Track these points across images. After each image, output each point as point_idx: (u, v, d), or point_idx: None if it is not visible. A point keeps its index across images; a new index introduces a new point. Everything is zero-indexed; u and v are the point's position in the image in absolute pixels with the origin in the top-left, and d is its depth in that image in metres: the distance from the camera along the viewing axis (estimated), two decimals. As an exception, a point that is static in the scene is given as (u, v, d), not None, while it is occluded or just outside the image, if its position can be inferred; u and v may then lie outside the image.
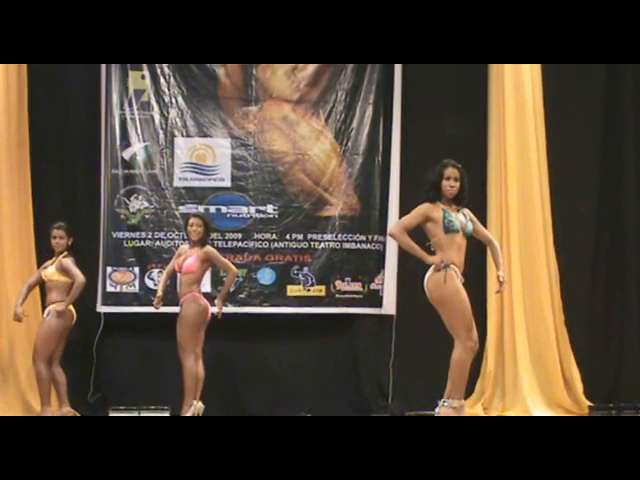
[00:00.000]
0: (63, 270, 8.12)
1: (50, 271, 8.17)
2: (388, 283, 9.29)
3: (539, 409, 8.85)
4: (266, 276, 9.28)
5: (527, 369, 8.97)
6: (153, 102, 9.24)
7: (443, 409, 6.26)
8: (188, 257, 8.15)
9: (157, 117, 9.24)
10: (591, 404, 8.81)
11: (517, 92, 9.16)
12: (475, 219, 6.67)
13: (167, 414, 4.73)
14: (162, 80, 9.25)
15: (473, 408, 8.72)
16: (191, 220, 8.28)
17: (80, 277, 8.08)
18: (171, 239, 9.12)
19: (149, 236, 9.15)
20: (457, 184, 6.50)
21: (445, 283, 6.33)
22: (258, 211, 9.31)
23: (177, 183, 9.24)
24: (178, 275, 8.27)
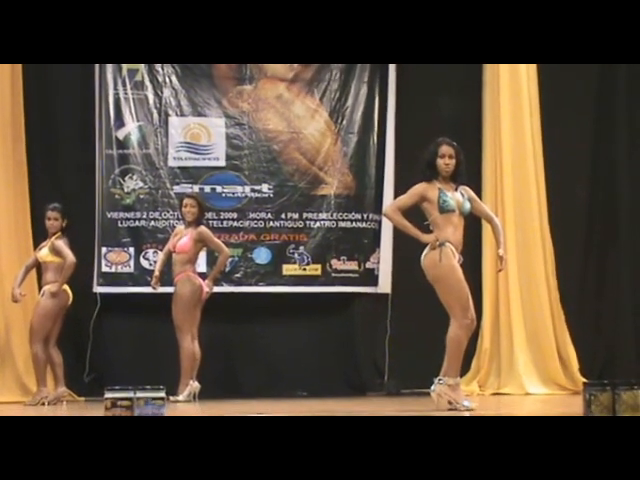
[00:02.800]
0: (55, 251, 8.12)
1: (44, 252, 8.18)
2: (384, 262, 9.30)
3: (534, 386, 8.90)
4: (262, 255, 9.28)
5: (522, 347, 9.00)
6: (147, 81, 9.20)
7: (439, 387, 6.27)
8: (183, 237, 8.18)
9: (151, 96, 9.21)
10: (586, 381, 8.83)
11: (512, 71, 9.15)
12: (475, 197, 6.64)
13: (163, 394, 4.73)
14: (156, 59, 9.21)
15: (469, 386, 8.75)
16: (185, 201, 8.30)
17: (70, 257, 8.08)
18: (166, 219, 9.11)
19: (144, 216, 9.13)
20: (452, 162, 6.46)
21: (441, 261, 6.32)
22: (253, 190, 9.29)
23: (172, 163, 9.22)
24: (173, 255, 8.28)
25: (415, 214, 6.61)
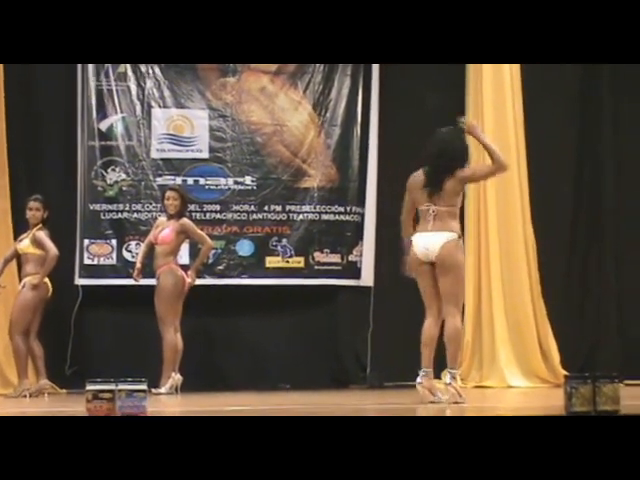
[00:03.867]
0: (37, 243, 8.09)
1: (25, 244, 8.15)
2: (366, 255, 9.31)
3: (516, 379, 8.93)
4: (245, 248, 9.27)
5: (504, 340, 9.03)
6: (130, 73, 9.17)
7: (452, 380, 6.28)
8: (165, 229, 8.17)
9: (134, 88, 9.18)
10: (567, 374, 8.86)
11: (495, 67, 9.16)
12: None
13: (144, 387, 4.72)
14: (139, 51, 9.17)
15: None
16: (167, 194, 8.29)
17: (53, 250, 8.05)
18: (149, 211, 9.08)
19: (126, 208, 9.11)
20: None
21: (461, 252, 6.43)
22: (236, 182, 9.28)
23: (154, 154, 9.19)
24: (155, 247, 8.26)
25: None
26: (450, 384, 6.29)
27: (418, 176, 6.46)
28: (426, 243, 6.32)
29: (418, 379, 6.33)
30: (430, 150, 6.46)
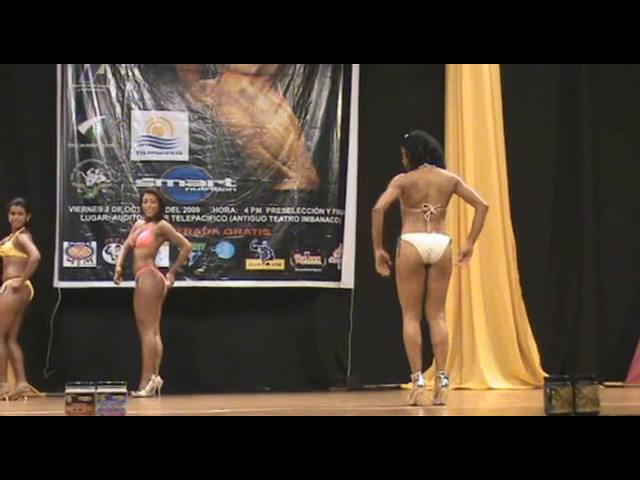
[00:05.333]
0: (19, 246, 8.06)
1: (7, 247, 8.11)
2: (346, 257, 9.31)
3: (496, 381, 8.95)
4: (225, 250, 9.26)
5: (484, 342, 9.05)
6: (109, 75, 9.14)
7: (446, 381, 6.27)
8: (143, 231, 8.15)
9: (113, 90, 9.15)
10: (547, 376, 8.90)
11: (474, 68, 9.21)
12: None
13: (124, 389, 4.71)
14: (118, 53, 9.14)
15: (430, 380, 8.76)
16: (145, 196, 8.27)
17: (35, 253, 8.02)
18: (128, 213, 9.05)
19: (106, 210, 9.08)
20: None
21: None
22: (216, 185, 9.27)
23: (134, 157, 9.17)
24: (134, 250, 8.24)
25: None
26: (446, 386, 6.26)
27: (413, 175, 6.40)
28: (429, 244, 6.27)
29: (420, 381, 6.25)
30: (425, 146, 6.45)
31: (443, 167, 6.54)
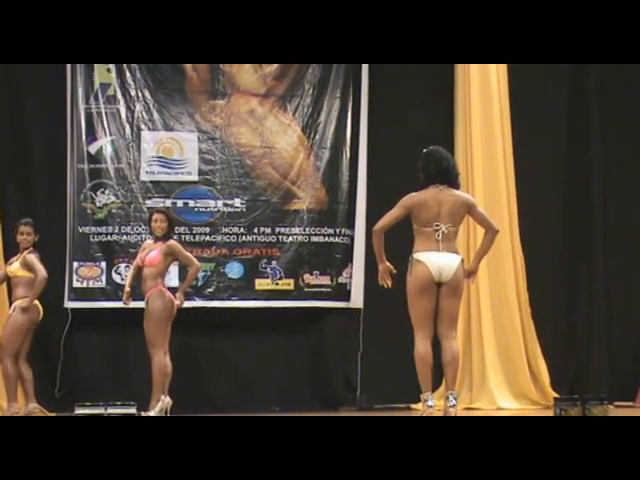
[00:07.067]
0: (27, 266, 8.07)
1: (15, 267, 8.13)
2: (356, 277, 9.30)
3: (506, 401, 8.93)
4: (234, 270, 9.26)
5: (494, 361, 9.02)
6: (119, 96, 9.18)
7: (454, 401, 6.25)
8: (152, 250, 8.15)
9: (123, 111, 9.19)
10: (556, 396, 8.87)
11: (483, 85, 9.23)
12: None
13: (134, 410, 4.71)
14: (128, 73, 9.19)
15: (440, 400, 8.74)
16: (154, 216, 8.26)
17: (42, 272, 8.03)
18: (138, 233, 9.07)
19: (116, 230, 9.10)
20: None
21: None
22: (226, 205, 9.28)
23: (144, 177, 9.19)
24: (143, 270, 8.23)
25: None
26: (454, 406, 6.25)
27: (423, 195, 6.41)
28: (440, 263, 6.28)
29: (430, 402, 6.24)
30: (438, 166, 6.44)
31: (457, 186, 6.51)
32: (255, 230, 9.29)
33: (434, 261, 6.27)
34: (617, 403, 8.45)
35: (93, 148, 9.12)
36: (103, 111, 9.14)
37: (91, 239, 9.06)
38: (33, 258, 8.09)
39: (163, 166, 9.22)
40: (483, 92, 9.25)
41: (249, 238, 9.28)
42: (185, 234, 9.09)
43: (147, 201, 9.15)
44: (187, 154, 9.26)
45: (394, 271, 6.44)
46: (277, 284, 9.28)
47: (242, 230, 9.27)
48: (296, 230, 9.33)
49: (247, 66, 9.38)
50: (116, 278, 9.03)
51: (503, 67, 9.24)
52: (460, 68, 9.30)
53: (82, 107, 9.08)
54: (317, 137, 9.44)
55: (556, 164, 9.59)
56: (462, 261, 6.41)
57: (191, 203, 9.24)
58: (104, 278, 9.04)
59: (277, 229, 9.31)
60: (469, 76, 9.23)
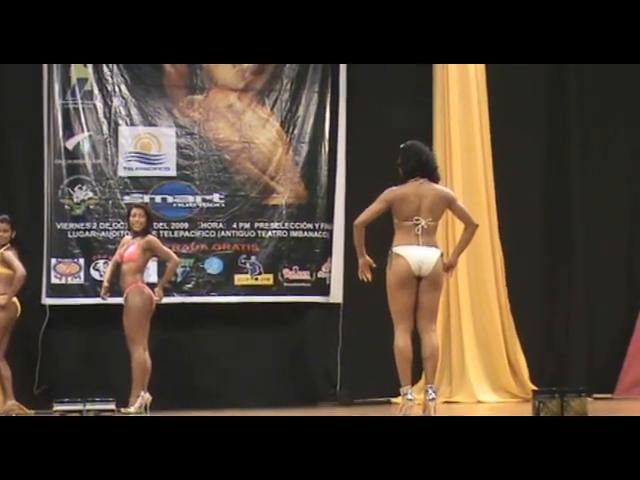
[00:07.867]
0: (5, 263, 8.05)
1: (-8, 264, 8.10)
2: (335, 271, 9.30)
3: (485, 394, 8.95)
4: (213, 265, 9.24)
5: (473, 355, 9.05)
6: (96, 91, 9.13)
7: (433, 395, 6.26)
8: (130, 246, 8.13)
9: (100, 106, 9.14)
10: (535, 389, 8.90)
11: (461, 79, 9.25)
12: None
13: (113, 406, 4.70)
14: (105, 69, 9.15)
15: (420, 394, 8.76)
16: (133, 211, 8.25)
17: (21, 269, 8.00)
18: (116, 229, 9.04)
19: (94, 226, 9.06)
20: None
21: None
22: (204, 200, 9.26)
23: (122, 173, 9.16)
24: (122, 265, 8.21)
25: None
26: (433, 399, 6.26)
27: (404, 189, 6.41)
28: (420, 257, 6.28)
29: (409, 395, 6.24)
30: (418, 160, 6.44)
31: (437, 179, 6.53)
32: (234, 225, 9.27)
33: (414, 255, 6.28)
34: (596, 395, 8.50)
35: (70, 144, 9.08)
36: (80, 107, 9.09)
37: (69, 235, 9.02)
38: (11, 255, 8.05)
39: (141, 161, 9.19)
40: (461, 86, 9.27)
41: (228, 233, 9.26)
42: (164, 230, 9.06)
43: (125, 197, 9.12)
44: (165, 149, 9.23)
45: (374, 265, 6.45)
46: (256, 279, 9.28)
47: (221, 225, 9.25)
48: (275, 225, 9.32)
49: (225, 61, 9.36)
50: (94, 274, 8.99)
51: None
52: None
53: (59, 103, 9.04)
54: (296, 132, 9.43)
55: (535, 158, 9.62)
56: (442, 255, 6.42)
57: (170, 199, 9.21)
58: (82, 274, 9.00)
59: (256, 224, 9.29)
60: (447, 71, 9.25)
